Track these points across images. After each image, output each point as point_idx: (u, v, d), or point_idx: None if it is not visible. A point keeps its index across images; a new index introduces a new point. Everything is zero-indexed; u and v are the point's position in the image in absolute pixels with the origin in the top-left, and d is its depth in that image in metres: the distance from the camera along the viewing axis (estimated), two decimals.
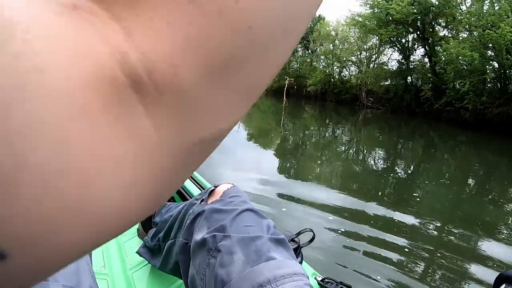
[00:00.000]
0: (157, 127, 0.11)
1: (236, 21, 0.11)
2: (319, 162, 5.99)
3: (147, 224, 1.21)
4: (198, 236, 0.68)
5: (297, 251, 0.97)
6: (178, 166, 0.13)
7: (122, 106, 0.11)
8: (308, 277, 0.61)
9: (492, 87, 14.20)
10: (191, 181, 1.53)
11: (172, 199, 1.37)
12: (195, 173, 1.60)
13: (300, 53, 34.63)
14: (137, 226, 1.29)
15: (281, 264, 0.58)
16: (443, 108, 15.34)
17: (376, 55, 24.37)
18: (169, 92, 0.11)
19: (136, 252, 1.05)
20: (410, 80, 20.58)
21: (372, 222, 3.13)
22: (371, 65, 24.47)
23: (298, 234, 1.01)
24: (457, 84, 14.74)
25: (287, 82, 19.18)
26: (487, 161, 7.16)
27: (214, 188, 0.83)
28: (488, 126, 12.28)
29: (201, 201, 0.80)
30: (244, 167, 4.85)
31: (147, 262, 1.05)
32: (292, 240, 0.99)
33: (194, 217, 0.74)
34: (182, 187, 1.51)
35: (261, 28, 0.12)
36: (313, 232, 1.00)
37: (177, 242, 0.79)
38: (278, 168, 5.25)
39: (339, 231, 2.86)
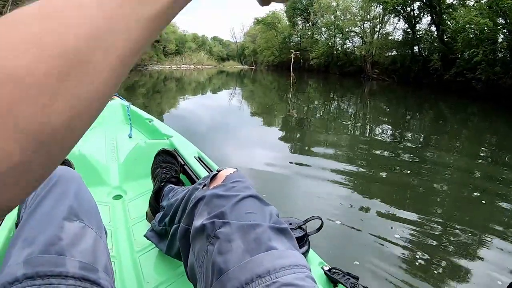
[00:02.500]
0: None
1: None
2: (325, 137, 5.87)
3: (155, 208, 1.24)
4: (197, 222, 0.67)
5: (304, 239, 0.96)
6: None
7: None
8: (310, 269, 0.60)
9: (504, 57, 13.76)
10: (200, 163, 1.53)
11: (180, 182, 1.34)
12: (203, 155, 1.63)
13: (300, 26, 34.43)
14: (146, 209, 1.33)
15: (282, 254, 0.57)
16: (453, 79, 14.97)
17: (381, 25, 23.97)
18: None
19: (144, 236, 1.08)
20: (417, 50, 20.23)
21: (381, 198, 3.08)
22: (376, 36, 24.12)
23: (306, 221, 0.99)
24: (467, 54, 14.33)
25: (292, 55, 18.53)
26: (500, 133, 6.96)
27: (216, 172, 0.82)
28: (500, 97, 11.93)
29: (203, 186, 0.79)
30: (248, 146, 4.89)
31: (154, 245, 1.08)
32: (300, 227, 0.98)
33: (195, 203, 0.73)
34: (191, 170, 1.51)
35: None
36: (321, 220, 0.98)
37: (179, 227, 0.79)
38: (283, 145, 5.23)
39: (347, 211, 2.80)
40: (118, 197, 1.55)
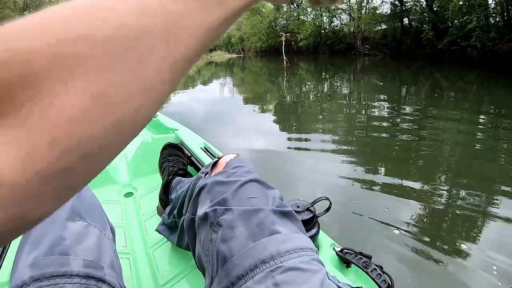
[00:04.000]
0: None
1: (65, 148, 0.16)
2: (320, 118, 5.85)
3: (165, 201, 1.26)
4: (200, 210, 0.68)
5: (313, 221, 0.96)
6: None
7: None
8: (317, 251, 0.59)
9: (497, 22, 13.62)
10: (207, 153, 1.57)
11: (188, 174, 1.36)
12: (210, 145, 1.68)
13: (285, 9, 34.15)
14: (156, 204, 1.37)
15: (286, 238, 0.57)
16: (446, 48, 14.87)
17: None
18: (1, 185, 0.15)
19: (156, 230, 1.11)
20: (407, 22, 20.19)
21: (385, 171, 3.11)
22: (363, 11, 24.01)
23: (314, 203, 0.98)
24: (460, 22, 14.20)
25: (283, 38, 17.96)
26: (499, 100, 6.91)
27: (217, 159, 0.82)
28: (496, 63, 11.84)
29: (205, 174, 0.79)
30: (247, 132, 4.89)
31: (167, 239, 1.10)
32: (308, 209, 0.97)
33: (198, 191, 0.74)
34: (198, 161, 1.54)
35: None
36: (329, 201, 0.98)
37: (185, 218, 0.79)
38: (281, 128, 5.22)
39: (351, 188, 2.79)
40: (129, 194, 1.60)
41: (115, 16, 0.18)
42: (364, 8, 24.06)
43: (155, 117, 2.40)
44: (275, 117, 6.12)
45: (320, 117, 5.91)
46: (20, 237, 0.94)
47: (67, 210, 0.69)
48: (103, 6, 0.18)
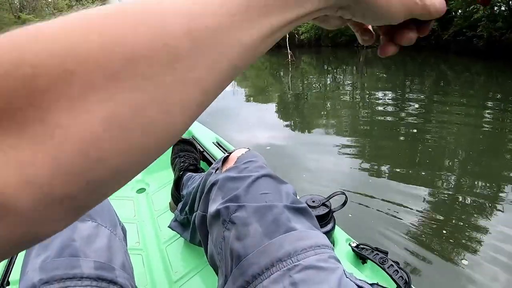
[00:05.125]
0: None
1: (73, 172, 0.15)
2: (326, 112, 5.86)
3: (176, 197, 1.27)
4: (212, 207, 0.67)
5: (329, 216, 0.96)
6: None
7: None
8: (333, 248, 0.59)
9: (504, 11, 13.48)
10: (219, 148, 1.57)
11: (200, 170, 1.37)
12: (222, 140, 1.68)
13: None
14: (169, 200, 1.37)
15: (303, 235, 0.56)
16: (452, 38, 14.74)
17: None
18: (7, 212, 0.14)
19: (168, 227, 1.12)
20: None
21: (392, 164, 3.08)
22: None
23: (329, 198, 0.98)
24: (466, 11, 14.05)
25: None
26: (507, 90, 6.86)
27: (228, 155, 0.81)
28: (503, 53, 11.73)
29: (216, 170, 0.78)
30: (254, 126, 4.91)
31: (179, 235, 1.11)
32: (323, 204, 0.96)
33: (209, 188, 0.73)
34: (209, 155, 1.55)
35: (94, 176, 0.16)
36: (345, 195, 0.98)
37: (196, 215, 0.79)
38: (284, 123, 5.22)
39: (358, 181, 2.79)
40: (141, 190, 1.62)
41: (139, 32, 0.16)
42: None
43: None
44: (280, 112, 6.10)
45: (325, 111, 5.90)
46: None
47: None
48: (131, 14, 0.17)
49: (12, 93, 0.14)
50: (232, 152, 0.82)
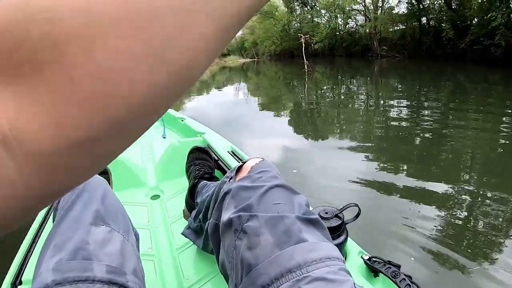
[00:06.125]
0: (24, 180, 0.15)
1: (93, 110, 0.15)
2: (340, 121, 5.87)
3: (190, 205, 1.29)
4: (225, 216, 0.67)
5: (342, 228, 0.95)
6: (39, 202, 0.16)
7: None
8: (344, 260, 0.59)
9: None
10: (234, 157, 1.58)
11: (215, 178, 1.37)
12: (237, 149, 1.70)
13: (298, 11, 34.22)
14: (183, 207, 1.38)
15: (314, 247, 0.56)
16: (468, 47, 14.63)
17: None
18: (32, 154, 0.14)
19: (182, 234, 1.14)
20: (426, 21, 19.99)
21: (403, 179, 3.01)
22: (379, 12, 23.92)
23: (343, 209, 0.97)
24: (483, 19, 13.91)
25: (302, 40, 17.27)
26: None
27: (242, 164, 0.82)
28: None
29: (230, 179, 0.79)
30: (268, 135, 4.97)
31: (192, 243, 1.14)
32: (336, 216, 0.96)
33: (223, 197, 0.74)
34: (224, 163, 1.57)
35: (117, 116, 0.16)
36: (358, 207, 0.97)
37: (209, 223, 0.80)
38: (299, 133, 5.24)
39: (373, 190, 2.79)
40: (155, 197, 1.64)
41: None
42: (380, 8, 23.96)
43: (182, 121, 2.46)
44: (294, 121, 6.16)
45: (340, 120, 5.92)
46: (44, 239, 0.99)
47: (91, 215, 0.71)
48: None
49: (30, 38, 0.14)
50: (246, 161, 0.82)
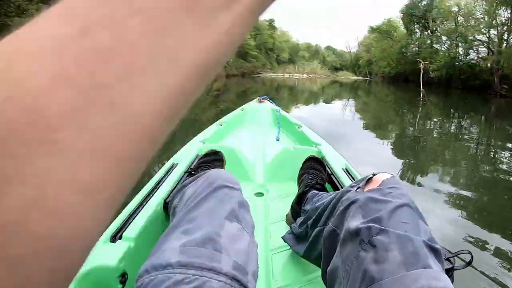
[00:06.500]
0: None
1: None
2: (441, 162, 5.42)
3: (296, 211, 1.29)
4: (351, 224, 0.68)
5: (449, 273, 0.89)
6: None
7: None
8: None
9: None
10: (348, 175, 1.53)
11: (325, 190, 1.35)
12: (351, 168, 1.64)
13: (418, 35, 33.37)
14: (285, 211, 1.42)
15: (438, 276, 0.56)
16: None
17: (510, 32, 22.23)
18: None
19: (282, 238, 1.16)
20: None
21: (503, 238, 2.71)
22: (504, 45, 22.42)
23: (456, 254, 0.91)
24: None
25: (421, 66, 16.23)
26: None
27: (372, 176, 0.82)
28: None
29: (357, 188, 0.80)
30: (359, 158, 4.74)
31: (289, 248, 1.14)
32: (447, 259, 0.90)
33: (348, 204, 0.75)
34: (334, 177, 1.54)
35: None
36: (471, 255, 0.89)
37: (326, 228, 0.81)
38: (395, 163, 4.97)
39: (465, 242, 2.63)
40: (259, 194, 1.66)
41: None
42: (505, 42, 22.53)
43: (298, 128, 2.48)
44: (397, 149, 6.00)
45: (444, 159, 5.57)
46: (153, 204, 1.17)
47: (228, 210, 0.74)
48: None
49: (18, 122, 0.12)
50: (377, 174, 0.82)
